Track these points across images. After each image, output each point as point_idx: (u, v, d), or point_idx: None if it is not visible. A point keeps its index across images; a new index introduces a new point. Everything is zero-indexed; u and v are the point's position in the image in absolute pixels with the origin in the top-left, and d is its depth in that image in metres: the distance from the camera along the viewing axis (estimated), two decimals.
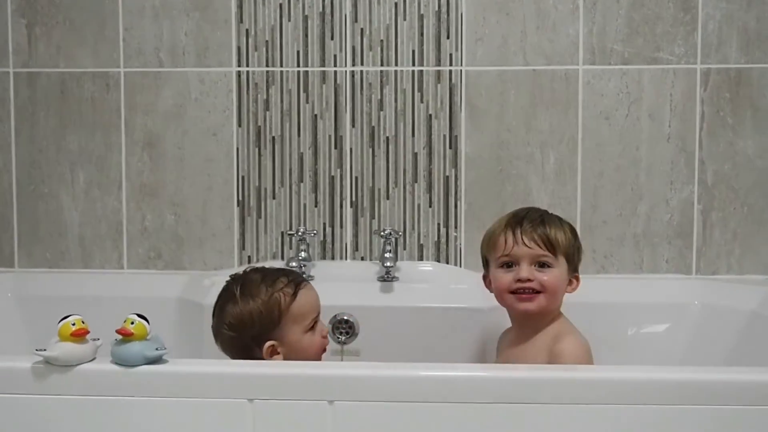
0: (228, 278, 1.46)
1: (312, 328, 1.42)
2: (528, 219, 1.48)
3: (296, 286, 1.42)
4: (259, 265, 1.61)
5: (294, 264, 1.80)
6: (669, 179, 1.86)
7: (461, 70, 1.87)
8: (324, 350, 1.45)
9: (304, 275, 1.80)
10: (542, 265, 1.45)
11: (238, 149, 1.91)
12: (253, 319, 1.38)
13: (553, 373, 1.23)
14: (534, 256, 1.45)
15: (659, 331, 1.75)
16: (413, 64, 1.88)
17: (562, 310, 1.48)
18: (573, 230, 1.51)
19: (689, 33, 1.84)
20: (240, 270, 1.49)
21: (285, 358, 1.39)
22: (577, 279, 1.50)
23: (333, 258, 1.91)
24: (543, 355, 1.43)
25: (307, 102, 1.90)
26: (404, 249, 1.90)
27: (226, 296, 1.42)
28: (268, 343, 1.38)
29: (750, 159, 1.85)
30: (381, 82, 1.89)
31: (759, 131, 1.85)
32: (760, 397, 1.17)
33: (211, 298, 1.47)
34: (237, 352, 1.41)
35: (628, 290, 1.79)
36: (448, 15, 1.87)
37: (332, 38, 1.88)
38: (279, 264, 1.73)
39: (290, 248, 1.90)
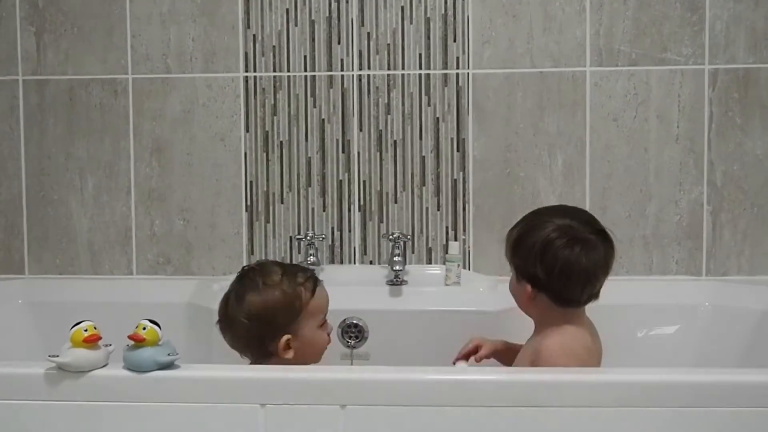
0: (244, 268, 1.45)
1: (322, 325, 1.43)
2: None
3: (314, 282, 1.43)
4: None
5: None
6: (678, 180, 1.86)
7: (468, 73, 1.87)
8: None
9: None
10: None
11: (246, 154, 1.92)
12: (276, 310, 1.37)
13: (564, 377, 1.22)
14: None
15: (670, 333, 1.74)
16: (420, 68, 1.88)
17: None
18: (518, 235, 1.41)
19: (697, 33, 1.84)
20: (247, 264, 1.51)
21: (296, 353, 1.38)
22: (527, 289, 1.40)
23: (341, 262, 1.92)
24: (530, 353, 1.43)
25: (315, 106, 1.90)
26: (413, 252, 1.90)
27: (246, 285, 1.40)
28: (286, 337, 1.37)
29: (759, 159, 1.85)
30: (388, 85, 1.89)
31: None
32: None
33: (229, 330, 1.45)
34: (248, 343, 1.39)
35: (638, 292, 1.78)
36: (454, 18, 1.87)
37: (339, 42, 1.89)
38: None
39: (299, 253, 1.90)
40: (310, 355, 1.41)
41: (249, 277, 1.41)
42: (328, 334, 1.46)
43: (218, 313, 1.43)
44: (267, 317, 1.37)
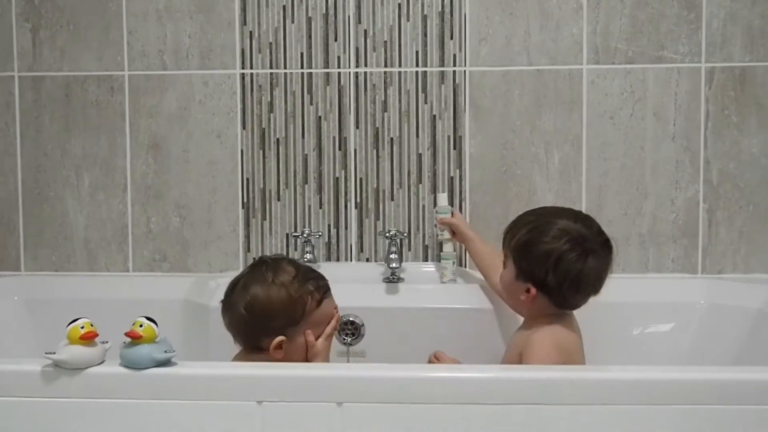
0: (258, 257, 1.44)
1: (321, 335, 1.40)
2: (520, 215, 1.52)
3: (323, 294, 1.41)
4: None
5: None
6: (674, 178, 1.86)
7: (465, 71, 1.87)
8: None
9: None
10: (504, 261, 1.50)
11: (242, 151, 1.92)
12: (276, 310, 1.35)
13: (561, 374, 1.22)
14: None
15: (665, 331, 1.74)
16: (417, 65, 1.88)
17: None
18: (526, 240, 1.43)
19: (693, 31, 1.84)
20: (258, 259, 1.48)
21: (286, 355, 1.37)
22: (530, 291, 1.43)
23: (338, 259, 1.92)
24: (520, 344, 1.45)
25: (311, 103, 1.90)
26: (409, 250, 1.90)
27: (256, 277, 1.38)
28: (280, 338, 1.35)
29: (755, 157, 1.85)
30: (385, 83, 1.89)
31: (764, 129, 1.85)
32: (766, 396, 1.17)
33: (217, 300, 1.46)
34: (242, 331, 1.38)
35: (633, 290, 1.79)
36: (451, 15, 1.87)
37: (336, 40, 1.89)
38: None
39: (295, 250, 1.90)
40: (297, 360, 1.38)
41: (261, 270, 1.39)
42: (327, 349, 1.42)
43: (225, 293, 1.41)
44: (266, 314, 1.36)
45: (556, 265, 1.40)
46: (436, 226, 1.82)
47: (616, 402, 1.18)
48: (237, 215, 1.92)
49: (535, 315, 1.47)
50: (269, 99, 1.91)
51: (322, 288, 1.41)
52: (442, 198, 1.82)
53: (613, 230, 1.85)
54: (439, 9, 1.87)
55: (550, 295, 1.43)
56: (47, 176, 1.94)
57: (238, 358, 1.41)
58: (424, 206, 1.90)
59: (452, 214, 1.79)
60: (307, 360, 1.39)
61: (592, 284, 1.43)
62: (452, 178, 1.89)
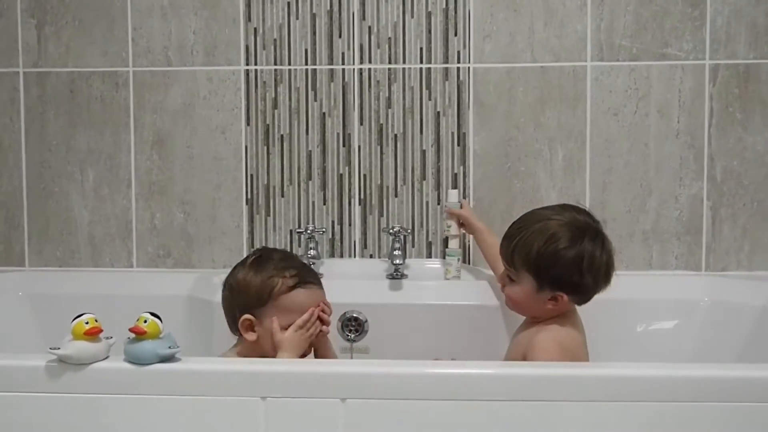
0: (260, 246, 1.51)
1: (290, 327, 1.40)
2: (510, 228, 1.49)
3: (298, 282, 1.42)
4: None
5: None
6: (678, 175, 1.86)
7: (469, 67, 1.87)
8: (305, 355, 1.44)
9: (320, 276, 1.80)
10: (511, 277, 1.48)
11: (246, 147, 1.92)
12: (248, 290, 1.41)
13: (564, 371, 1.23)
14: (504, 265, 1.50)
15: (669, 328, 1.74)
16: (421, 62, 1.88)
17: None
18: (548, 250, 1.41)
19: (697, 28, 1.83)
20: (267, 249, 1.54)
21: (259, 340, 1.41)
22: (560, 298, 1.43)
23: (342, 256, 1.92)
24: (524, 344, 1.45)
25: (315, 100, 1.90)
26: (413, 246, 1.91)
27: (242, 260, 1.47)
28: (246, 316, 1.41)
29: (759, 154, 1.85)
30: (389, 79, 1.89)
31: None
32: None
33: (221, 296, 1.48)
34: (226, 313, 1.45)
35: (637, 287, 1.78)
36: (455, 12, 1.87)
37: (340, 36, 1.89)
38: None
39: (299, 246, 1.90)
40: (270, 348, 1.40)
41: (249, 255, 1.48)
42: (311, 346, 1.43)
43: None
44: (239, 292, 1.42)
45: (590, 264, 1.41)
46: (445, 216, 1.82)
47: (619, 399, 1.18)
48: (241, 211, 1.93)
49: (544, 315, 1.46)
50: (273, 95, 1.91)
51: (299, 277, 1.43)
52: (453, 194, 1.82)
53: (617, 227, 1.86)
54: (443, 5, 1.87)
55: (581, 294, 1.44)
56: (52, 172, 1.95)
57: (225, 355, 1.43)
58: (427, 203, 1.90)
59: (461, 205, 1.80)
60: (272, 351, 1.40)
61: (613, 265, 1.46)
62: (456, 174, 1.89)
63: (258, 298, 1.41)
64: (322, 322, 1.43)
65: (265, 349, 1.41)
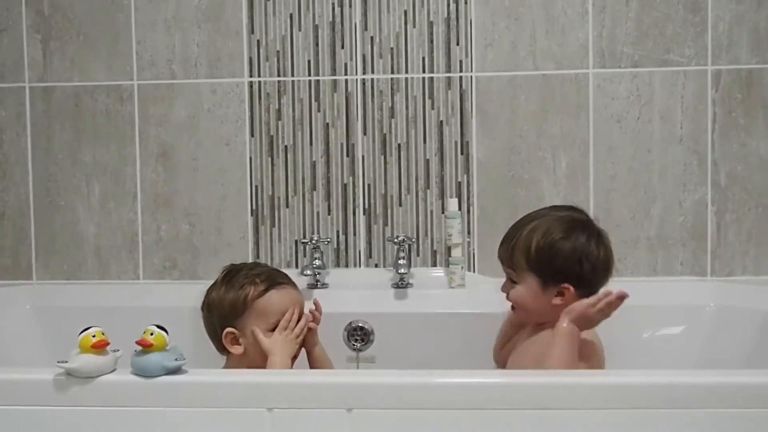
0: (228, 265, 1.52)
1: (274, 328, 1.43)
2: (507, 233, 1.51)
3: (270, 285, 1.44)
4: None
5: (308, 272, 1.82)
6: (682, 181, 1.86)
7: (471, 76, 1.88)
8: (296, 356, 1.45)
9: (318, 283, 1.81)
10: (513, 279, 1.49)
11: (251, 159, 1.93)
12: (223, 305, 1.44)
13: (570, 379, 1.23)
14: (505, 271, 1.50)
15: (675, 334, 1.74)
16: (423, 71, 1.89)
17: None
18: (546, 243, 1.44)
19: (699, 34, 1.84)
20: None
21: (245, 350, 1.42)
22: (567, 291, 1.44)
23: (347, 265, 1.92)
24: (541, 344, 1.44)
25: (319, 111, 1.91)
26: (417, 255, 1.91)
27: (215, 280, 1.51)
28: (228, 329, 1.43)
29: (763, 159, 1.85)
30: (392, 89, 1.89)
31: None
32: None
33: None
34: (210, 335, 1.47)
35: (643, 293, 1.76)
36: (457, 21, 1.87)
37: (343, 47, 1.90)
38: (293, 272, 1.74)
39: (304, 256, 1.91)
40: (259, 357, 1.41)
41: (220, 274, 1.50)
42: (295, 337, 1.43)
43: None
44: (216, 308, 1.45)
45: (587, 253, 1.44)
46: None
47: (626, 406, 1.18)
48: (246, 222, 1.93)
49: (553, 317, 1.46)
50: (277, 106, 1.92)
51: (270, 280, 1.45)
52: (453, 203, 1.82)
53: (622, 233, 1.86)
54: (445, 15, 1.88)
55: (586, 287, 1.44)
56: (58, 185, 1.96)
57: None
58: (432, 211, 1.91)
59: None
60: (263, 358, 1.41)
61: (612, 259, 1.48)
62: (460, 183, 1.90)
63: (234, 309, 1.43)
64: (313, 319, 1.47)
65: (254, 360, 1.42)
